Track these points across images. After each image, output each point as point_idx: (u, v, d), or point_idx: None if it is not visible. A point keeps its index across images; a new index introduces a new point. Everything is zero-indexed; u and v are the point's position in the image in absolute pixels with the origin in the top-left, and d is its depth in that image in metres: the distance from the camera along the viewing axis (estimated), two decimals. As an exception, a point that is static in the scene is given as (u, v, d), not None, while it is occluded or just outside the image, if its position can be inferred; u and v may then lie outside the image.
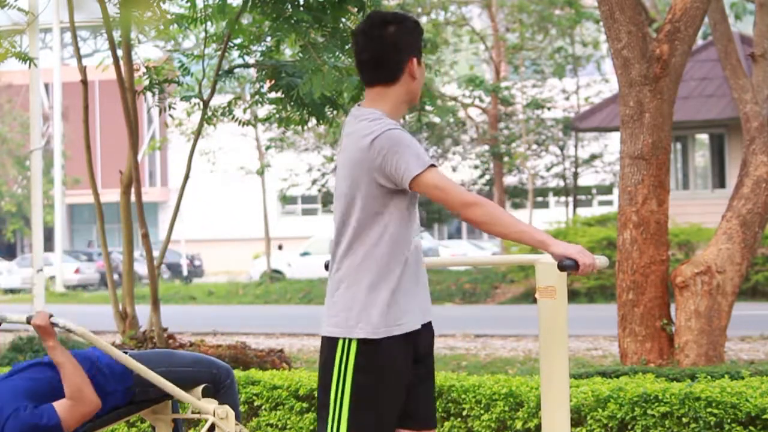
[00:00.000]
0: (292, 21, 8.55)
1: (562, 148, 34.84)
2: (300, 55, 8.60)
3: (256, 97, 9.44)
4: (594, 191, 42.40)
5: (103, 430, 5.04)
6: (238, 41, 9.22)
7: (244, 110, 14.41)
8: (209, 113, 9.43)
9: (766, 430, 5.19)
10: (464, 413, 5.89)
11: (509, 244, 26.06)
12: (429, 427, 3.92)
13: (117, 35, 8.92)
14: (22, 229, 43.79)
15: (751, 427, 5.22)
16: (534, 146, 34.37)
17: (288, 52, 12.10)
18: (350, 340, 3.70)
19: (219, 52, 9.45)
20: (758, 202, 8.13)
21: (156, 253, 9.07)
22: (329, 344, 3.75)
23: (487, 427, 5.81)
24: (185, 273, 38.87)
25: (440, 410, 5.94)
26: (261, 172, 29.59)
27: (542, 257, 4.05)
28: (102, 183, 37.95)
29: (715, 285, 7.91)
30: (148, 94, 9.08)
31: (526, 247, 19.00)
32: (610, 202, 41.43)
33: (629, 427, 5.46)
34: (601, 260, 3.88)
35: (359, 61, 3.83)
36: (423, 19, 28.66)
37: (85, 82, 8.99)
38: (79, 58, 9.32)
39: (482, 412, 5.83)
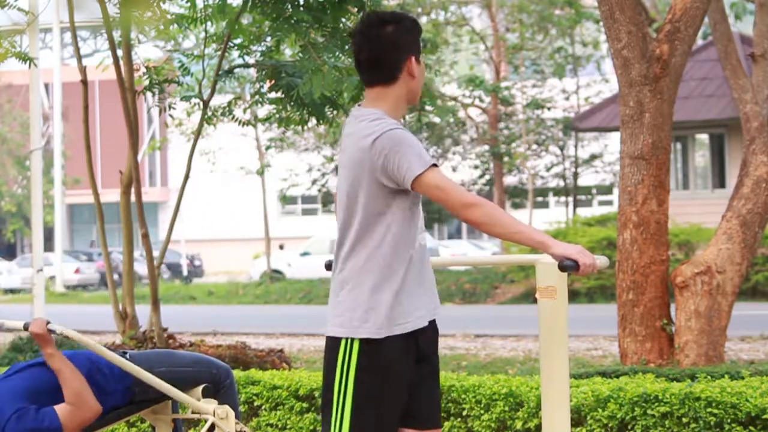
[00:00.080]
0: (292, 21, 8.56)
1: (562, 148, 34.83)
2: (300, 55, 8.60)
3: (256, 97, 9.44)
4: (594, 191, 42.37)
5: (103, 430, 5.04)
6: (238, 41, 9.22)
7: (244, 110, 14.41)
8: (209, 113, 9.43)
9: (766, 430, 5.19)
10: (464, 413, 5.89)
11: (509, 244, 26.03)
12: (433, 427, 3.92)
13: (117, 35, 8.92)
14: (22, 229, 43.75)
15: (751, 427, 5.22)
16: (534, 146, 34.36)
17: (288, 52, 12.10)
18: (353, 339, 3.71)
19: (219, 52, 9.45)
20: (758, 202, 8.12)
21: (156, 253, 9.08)
22: (333, 344, 3.76)
23: (487, 427, 5.81)
24: (185, 273, 38.85)
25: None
26: (261, 172, 29.58)
27: (542, 257, 4.04)
28: (102, 183, 37.88)
29: (715, 285, 7.91)
30: (148, 94, 9.08)
31: (526, 247, 18.99)
32: (610, 202, 41.37)
33: (629, 427, 5.46)
34: (601, 260, 3.88)
35: (358, 62, 3.82)
36: (423, 19, 28.66)
37: (85, 82, 8.99)
38: (79, 58, 9.33)
39: (482, 412, 5.83)
